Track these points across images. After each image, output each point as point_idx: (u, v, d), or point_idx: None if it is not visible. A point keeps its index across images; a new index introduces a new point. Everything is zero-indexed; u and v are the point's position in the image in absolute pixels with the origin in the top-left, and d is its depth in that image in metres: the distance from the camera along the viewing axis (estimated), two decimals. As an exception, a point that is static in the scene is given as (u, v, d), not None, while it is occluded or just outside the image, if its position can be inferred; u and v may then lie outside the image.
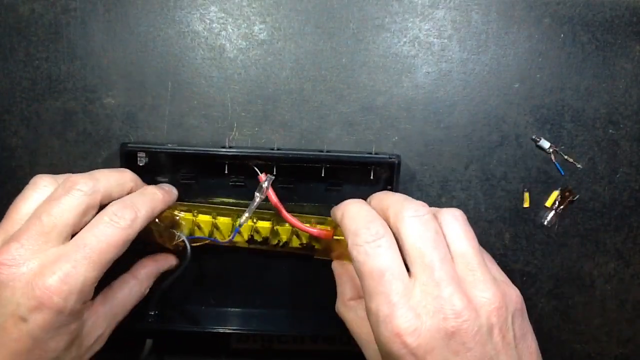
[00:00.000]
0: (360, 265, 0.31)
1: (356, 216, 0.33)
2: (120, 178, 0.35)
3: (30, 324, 0.29)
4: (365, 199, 0.41)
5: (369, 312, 0.30)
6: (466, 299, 0.29)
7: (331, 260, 0.42)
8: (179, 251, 0.41)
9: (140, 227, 0.33)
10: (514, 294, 0.31)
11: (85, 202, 0.32)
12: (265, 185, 0.38)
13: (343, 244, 0.40)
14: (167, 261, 0.40)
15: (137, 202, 0.34)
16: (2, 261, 0.29)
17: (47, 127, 0.42)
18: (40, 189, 0.33)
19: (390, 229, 0.32)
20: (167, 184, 0.39)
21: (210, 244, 0.41)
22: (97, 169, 0.38)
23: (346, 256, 0.41)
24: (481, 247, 0.33)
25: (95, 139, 0.42)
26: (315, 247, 0.42)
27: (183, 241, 0.39)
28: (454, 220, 0.32)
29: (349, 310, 0.37)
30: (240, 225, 0.39)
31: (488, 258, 0.34)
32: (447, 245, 0.31)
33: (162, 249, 0.41)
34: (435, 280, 0.29)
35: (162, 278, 0.40)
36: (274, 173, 0.39)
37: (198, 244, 0.40)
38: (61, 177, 0.35)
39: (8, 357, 0.29)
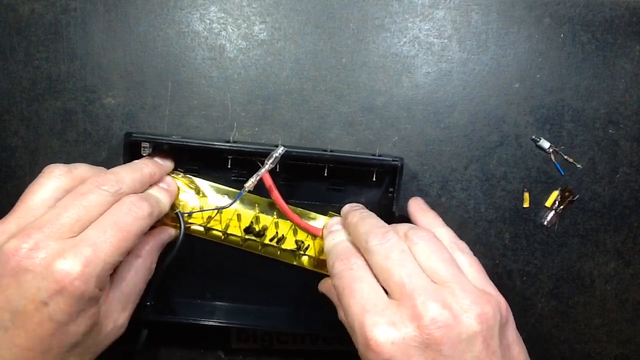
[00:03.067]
0: (337, 288, 0.32)
1: (333, 251, 0.35)
2: (142, 178, 0.36)
3: (51, 308, 0.29)
4: (366, 200, 0.42)
5: (348, 329, 0.31)
6: (441, 305, 0.28)
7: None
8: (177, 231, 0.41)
9: (155, 220, 0.35)
10: (500, 302, 0.31)
11: (110, 202, 0.33)
12: (278, 153, 0.38)
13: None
14: (165, 233, 0.40)
15: (155, 196, 0.36)
16: (22, 246, 0.29)
17: (47, 127, 0.42)
18: (56, 177, 0.34)
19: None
20: (167, 179, 0.40)
21: (209, 241, 0.41)
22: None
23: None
24: (468, 255, 0.34)
25: (95, 139, 0.42)
26: (306, 243, 0.42)
27: (177, 214, 0.39)
28: (419, 240, 0.33)
29: None
30: (244, 190, 0.38)
31: (476, 266, 0.34)
32: (419, 264, 0.31)
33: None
34: (408, 292, 0.29)
35: (158, 263, 0.40)
36: (277, 170, 0.39)
37: (196, 211, 0.41)
38: (74, 167, 0.35)
39: (30, 341, 0.29)
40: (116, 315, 0.34)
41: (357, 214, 0.37)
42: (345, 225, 0.37)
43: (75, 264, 0.29)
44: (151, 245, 0.38)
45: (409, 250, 0.32)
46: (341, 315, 0.37)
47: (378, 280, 0.31)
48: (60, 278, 0.29)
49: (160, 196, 0.37)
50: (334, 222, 0.39)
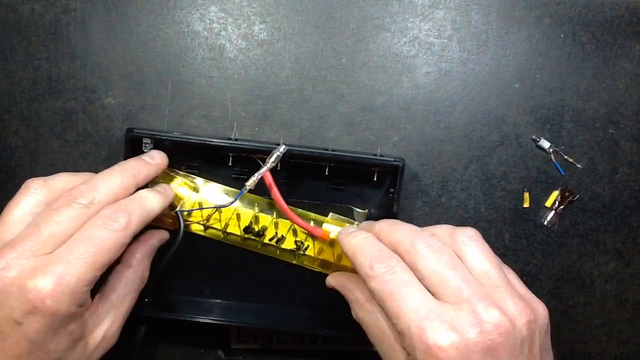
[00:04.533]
0: (380, 292, 0.31)
1: (368, 251, 0.33)
2: (123, 182, 0.35)
3: (26, 328, 0.29)
4: (366, 201, 0.42)
5: (400, 334, 0.30)
6: (501, 312, 0.29)
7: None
8: (175, 228, 0.41)
9: (135, 231, 0.33)
10: (540, 308, 0.31)
11: (85, 215, 0.32)
12: (279, 152, 0.37)
13: (337, 249, 0.41)
14: (154, 237, 0.39)
15: (130, 206, 0.33)
16: None
17: (47, 127, 0.42)
18: (32, 193, 0.33)
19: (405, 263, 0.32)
20: (164, 184, 0.39)
21: (209, 238, 0.41)
22: (97, 169, 0.39)
23: (343, 266, 0.42)
24: (503, 264, 0.33)
25: (95, 139, 0.42)
26: (306, 244, 0.42)
27: (176, 213, 0.39)
28: (470, 242, 0.32)
29: (368, 313, 0.36)
30: (245, 188, 0.38)
31: (512, 274, 0.34)
32: (468, 267, 0.31)
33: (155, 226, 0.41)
34: (466, 297, 0.29)
35: (157, 261, 0.40)
36: (278, 168, 0.39)
37: (196, 209, 0.41)
38: (52, 178, 0.34)
39: None
40: (106, 326, 0.34)
41: (385, 222, 0.35)
42: (375, 232, 0.35)
43: (46, 283, 0.29)
44: (141, 252, 0.37)
45: (456, 256, 0.32)
46: (358, 314, 0.37)
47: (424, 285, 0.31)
48: (32, 298, 0.28)
49: (148, 200, 0.35)
50: (351, 226, 0.38)
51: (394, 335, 0.33)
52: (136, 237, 0.36)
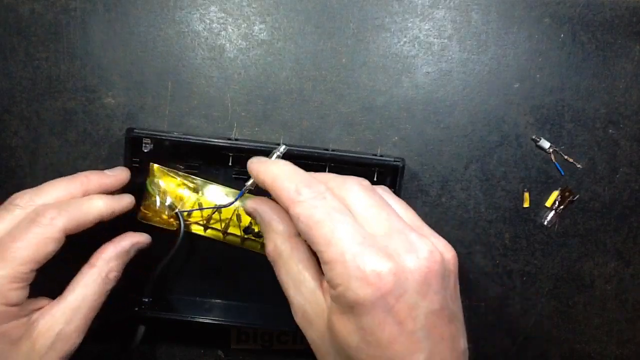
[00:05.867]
0: (307, 218, 0.28)
1: (294, 176, 0.31)
2: (68, 187, 0.35)
3: None
4: None
5: (328, 264, 0.27)
6: (431, 243, 0.29)
7: None
8: (176, 230, 0.41)
9: (65, 227, 0.32)
10: (454, 251, 0.32)
11: (21, 216, 0.32)
12: (279, 152, 0.37)
13: None
14: (127, 239, 0.37)
15: (65, 204, 0.33)
16: None
17: (47, 127, 0.42)
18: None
19: None
20: (127, 195, 0.38)
21: (209, 239, 0.41)
22: (97, 168, 0.39)
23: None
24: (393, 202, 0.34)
25: (95, 139, 0.42)
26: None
27: (176, 214, 0.39)
28: (386, 193, 0.33)
29: (289, 249, 0.32)
30: (245, 189, 0.37)
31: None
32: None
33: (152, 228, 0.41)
34: (397, 228, 0.29)
35: (157, 261, 0.40)
36: None
37: (196, 209, 0.41)
38: (40, 194, 0.34)
39: None
40: (59, 327, 0.33)
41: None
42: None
43: None
44: (109, 253, 0.36)
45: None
46: (277, 247, 0.33)
47: None
48: None
49: (90, 201, 0.35)
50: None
51: (316, 275, 0.31)
52: (109, 238, 0.37)
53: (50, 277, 0.33)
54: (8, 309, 0.31)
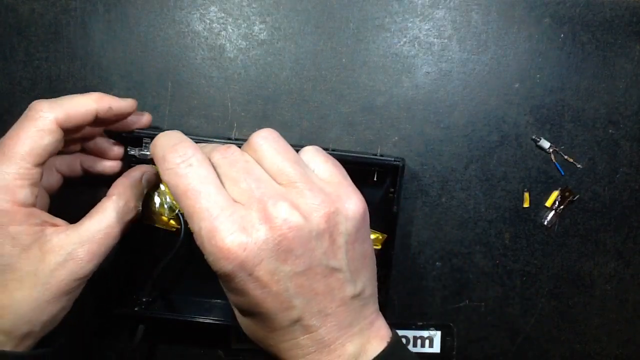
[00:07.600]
0: (175, 188, 0.29)
1: (163, 142, 0.31)
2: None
3: None
4: (366, 200, 0.41)
5: (195, 235, 0.29)
6: (292, 206, 0.28)
7: None
8: (177, 230, 0.41)
9: (58, 118, 0.32)
10: (353, 201, 0.31)
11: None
12: None
13: None
14: (137, 170, 0.38)
15: (57, 99, 0.33)
16: None
17: (47, 127, 0.42)
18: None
19: None
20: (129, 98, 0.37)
21: None
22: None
23: None
24: (317, 154, 0.32)
25: (95, 139, 0.42)
26: None
27: (177, 215, 0.39)
28: (263, 142, 0.31)
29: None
30: None
31: (331, 163, 0.32)
32: (265, 168, 0.31)
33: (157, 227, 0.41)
34: (257, 197, 0.29)
35: (157, 260, 0.40)
36: None
37: None
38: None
39: None
40: (72, 247, 0.33)
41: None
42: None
43: None
44: (123, 183, 0.36)
45: (253, 160, 0.31)
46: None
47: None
48: None
49: (82, 97, 0.34)
50: None
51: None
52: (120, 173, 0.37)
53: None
54: (17, 208, 0.31)
